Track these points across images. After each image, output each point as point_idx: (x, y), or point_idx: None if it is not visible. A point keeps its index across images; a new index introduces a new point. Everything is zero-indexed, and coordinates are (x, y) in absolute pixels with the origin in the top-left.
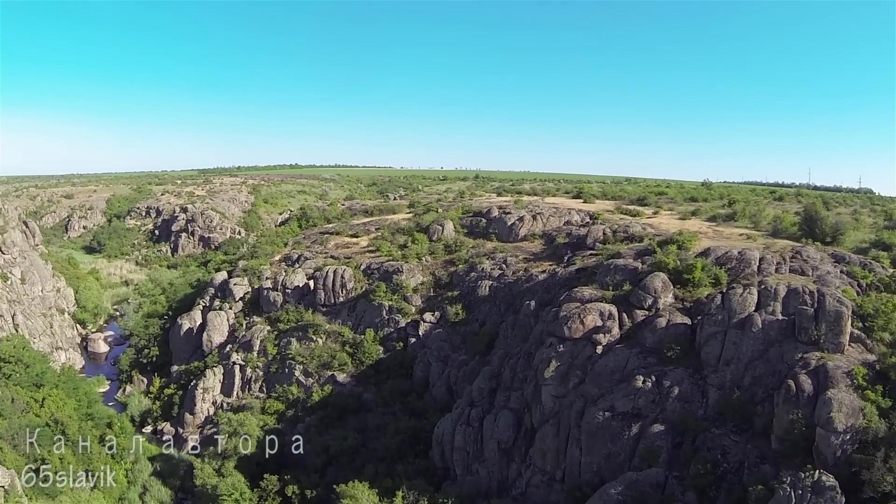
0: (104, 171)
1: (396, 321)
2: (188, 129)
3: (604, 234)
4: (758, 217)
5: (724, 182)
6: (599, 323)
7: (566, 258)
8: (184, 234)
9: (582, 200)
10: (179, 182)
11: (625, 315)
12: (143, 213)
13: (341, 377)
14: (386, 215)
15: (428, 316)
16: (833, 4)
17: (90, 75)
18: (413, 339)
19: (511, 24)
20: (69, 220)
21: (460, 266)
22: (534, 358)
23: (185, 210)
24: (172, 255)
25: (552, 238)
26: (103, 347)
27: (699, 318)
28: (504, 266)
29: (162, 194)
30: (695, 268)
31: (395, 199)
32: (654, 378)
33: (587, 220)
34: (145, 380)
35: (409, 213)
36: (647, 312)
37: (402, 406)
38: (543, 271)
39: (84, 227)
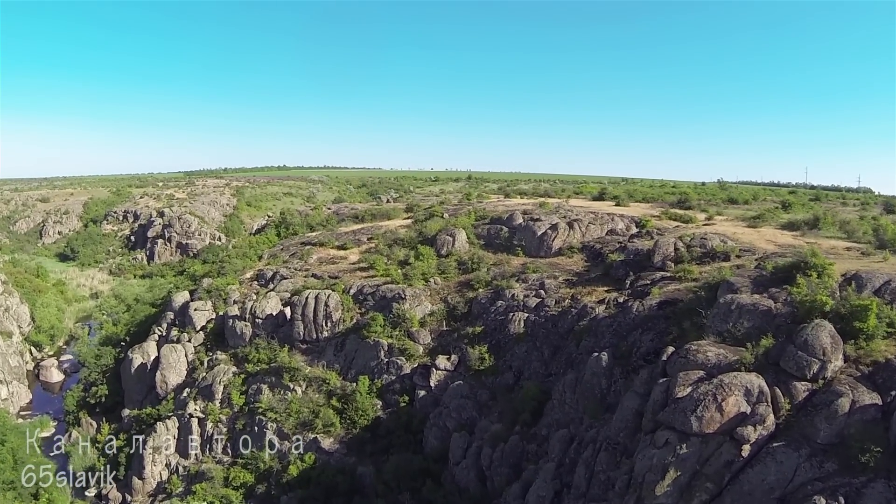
0: (89, 174)
1: (399, 366)
2: (175, 131)
3: (675, 248)
4: (851, 225)
5: (723, 182)
6: (745, 408)
7: (629, 282)
8: (160, 241)
9: (614, 203)
10: (161, 184)
11: (778, 391)
12: (121, 218)
13: (327, 443)
14: (380, 221)
15: (441, 360)
16: (831, 2)
17: (81, 76)
18: (422, 392)
19: (501, 24)
20: (44, 225)
21: (481, 290)
22: (626, 451)
23: (161, 214)
24: (148, 264)
25: (597, 252)
26: (57, 376)
27: (893, 394)
28: (542, 292)
29: (141, 197)
30: (868, 311)
31: (388, 201)
32: (842, 500)
33: (633, 227)
34: (94, 424)
35: (408, 218)
36: (810, 385)
37: (413, 495)
38: (601, 301)
39: (59, 233)
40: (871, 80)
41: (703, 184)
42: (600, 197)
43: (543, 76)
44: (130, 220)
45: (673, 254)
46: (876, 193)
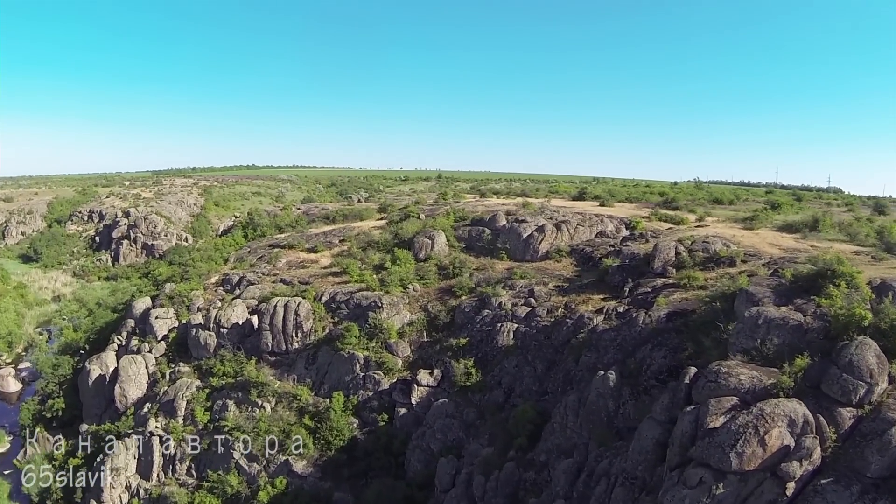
0: (55, 174)
1: (376, 381)
2: (144, 130)
3: (676, 253)
4: (853, 228)
5: (699, 181)
6: (789, 441)
7: (627, 290)
8: (125, 242)
9: (598, 203)
10: (128, 184)
11: (822, 419)
12: (86, 218)
13: (299, 465)
14: (352, 222)
15: (423, 375)
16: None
17: (47, 73)
18: (403, 410)
19: (469, 24)
20: (6, 225)
21: (464, 298)
22: (645, 486)
23: (127, 214)
24: (113, 265)
25: (587, 256)
26: (14, 385)
27: None
28: (532, 300)
29: (107, 197)
30: None
31: (359, 201)
32: None
33: (623, 229)
34: (52, 439)
35: (381, 219)
36: (856, 411)
37: None
38: (598, 310)
39: (22, 234)
40: (841, 81)
41: (676, 183)
42: (580, 197)
43: (513, 77)
44: (96, 220)
45: (674, 258)
46: (846, 193)
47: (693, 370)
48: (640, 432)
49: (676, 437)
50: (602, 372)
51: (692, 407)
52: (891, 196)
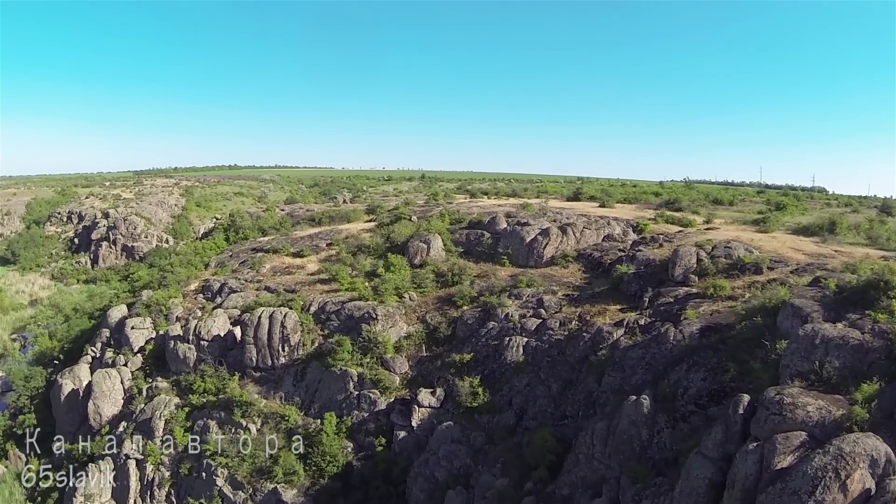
0: (35, 174)
1: (372, 400)
2: (123, 129)
3: (698, 259)
4: (874, 231)
5: (689, 181)
6: (870, 484)
7: (647, 300)
8: (105, 243)
9: (599, 204)
10: (108, 184)
11: None
12: (65, 219)
13: (289, 494)
14: (339, 224)
15: (424, 395)
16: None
17: (26, 72)
18: (402, 433)
19: (451, 23)
20: None
21: (466, 308)
22: None
23: (106, 215)
24: (92, 268)
25: (596, 262)
26: None
27: None
28: (541, 310)
29: (86, 197)
30: None
31: (344, 201)
32: None
33: (630, 232)
34: (23, 457)
35: (370, 221)
36: None
37: None
38: (618, 323)
39: (0, 235)
40: (825, 80)
41: (661, 184)
42: (576, 197)
43: (495, 77)
44: (75, 221)
45: (695, 266)
46: (830, 192)
47: (746, 398)
48: (689, 471)
49: (738, 479)
50: (634, 397)
51: (755, 444)
52: (875, 195)
